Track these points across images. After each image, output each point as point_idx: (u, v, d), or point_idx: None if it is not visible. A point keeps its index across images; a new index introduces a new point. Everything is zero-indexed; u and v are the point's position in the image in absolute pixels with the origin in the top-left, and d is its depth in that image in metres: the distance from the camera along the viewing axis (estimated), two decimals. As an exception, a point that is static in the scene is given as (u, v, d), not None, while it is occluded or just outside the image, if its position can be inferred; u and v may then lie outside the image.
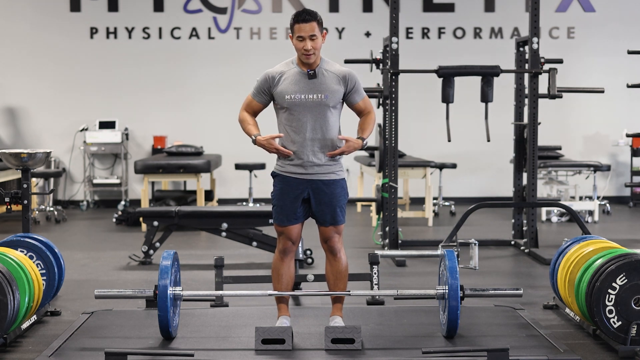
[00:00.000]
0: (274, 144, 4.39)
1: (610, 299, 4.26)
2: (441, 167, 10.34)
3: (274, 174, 4.50)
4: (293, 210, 4.44)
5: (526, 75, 7.74)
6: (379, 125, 7.70)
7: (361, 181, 10.47)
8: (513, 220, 7.97)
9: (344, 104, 4.50)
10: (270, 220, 5.63)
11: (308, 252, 6.72)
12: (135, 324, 4.81)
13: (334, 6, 11.34)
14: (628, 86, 7.98)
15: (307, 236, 6.51)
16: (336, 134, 4.42)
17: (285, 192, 4.44)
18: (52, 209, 9.92)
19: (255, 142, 4.43)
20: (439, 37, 11.39)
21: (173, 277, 4.39)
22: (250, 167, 10.29)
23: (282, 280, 4.51)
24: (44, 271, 5.13)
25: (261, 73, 4.48)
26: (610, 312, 4.26)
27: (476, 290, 4.58)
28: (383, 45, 7.80)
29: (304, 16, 4.32)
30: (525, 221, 7.71)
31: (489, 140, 7.08)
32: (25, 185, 5.51)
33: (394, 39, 7.22)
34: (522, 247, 7.57)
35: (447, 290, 4.34)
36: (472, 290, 4.56)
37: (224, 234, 7.02)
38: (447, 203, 10.59)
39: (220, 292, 4.86)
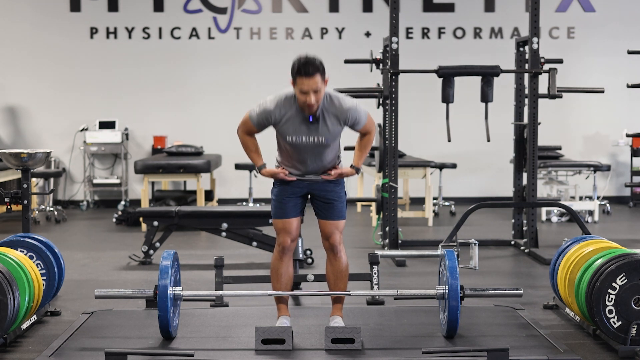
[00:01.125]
0: (279, 176, 4.44)
1: (610, 299, 4.26)
2: (441, 167, 10.34)
3: None
4: (292, 204, 4.49)
5: (526, 75, 7.74)
6: (379, 125, 7.70)
7: (361, 181, 10.47)
8: (513, 220, 7.97)
9: None
10: (271, 221, 5.63)
11: (308, 252, 6.72)
12: (135, 324, 4.81)
13: (334, 6, 11.34)
14: (628, 86, 7.98)
15: (307, 236, 6.52)
16: (336, 157, 4.50)
17: (285, 189, 4.49)
18: (52, 209, 9.92)
19: (260, 172, 4.48)
20: (439, 37, 11.39)
21: (173, 277, 4.40)
22: (250, 167, 10.28)
23: (281, 280, 4.51)
24: (44, 271, 5.13)
25: (260, 104, 4.36)
26: (610, 312, 4.26)
27: (476, 290, 4.58)
28: (383, 45, 7.80)
29: (307, 68, 4.15)
30: (525, 221, 7.71)
31: (489, 140, 7.08)
32: (25, 185, 5.51)
33: (394, 39, 7.22)
34: (522, 247, 7.57)
35: (447, 290, 4.34)
36: (472, 290, 4.56)
37: (224, 234, 7.02)
38: (447, 203, 10.59)
39: (220, 292, 4.86)
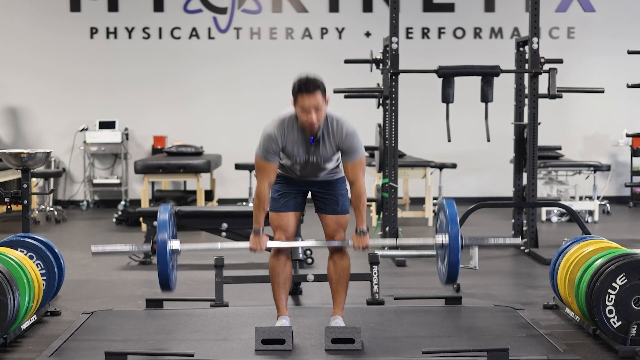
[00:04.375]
0: (256, 247, 4.41)
1: (610, 299, 4.26)
2: (441, 167, 10.33)
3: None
4: (291, 198, 4.51)
5: (526, 75, 7.74)
6: (379, 125, 7.70)
7: (361, 181, 10.44)
8: (513, 220, 7.96)
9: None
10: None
11: (308, 252, 6.73)
12: (135, 324, 4.81)
13: (334, 6, 11.33)
14: (628, 86, 7.98)
15: (307, 236, 6.50)
16: (336, 167, 4.47)
17: (287, 183, 4.51)
18: (52, 209, 9.92)
19: (255, 232, 4.39)
20: (439, 37, 11.39)
21: (171, 231, 4.40)
22: (250, 167, 10.26)
23: (279, 279, 4.51)
24: (44, 271, 5.13)
25: (261, 138, 4.31)
26: (610, 312, 4.26)
27: (475, 239, 4.59)
28: (383, 45, 7.80)
29: (308, 86, 4.12)
30: (525, 221, 7.70)
31: (489, 140, 7.08)
32: (25, 185, 5.51)
33: (394, 39, 7.22)
34: (522, 247, 7.57)
35: (446, 236, 4.35)
36: (471, 240, 4.56)
37: (224, 234, 7.02)
38: (447, 203, 10.56)
39: (218, 244, 4.85)
